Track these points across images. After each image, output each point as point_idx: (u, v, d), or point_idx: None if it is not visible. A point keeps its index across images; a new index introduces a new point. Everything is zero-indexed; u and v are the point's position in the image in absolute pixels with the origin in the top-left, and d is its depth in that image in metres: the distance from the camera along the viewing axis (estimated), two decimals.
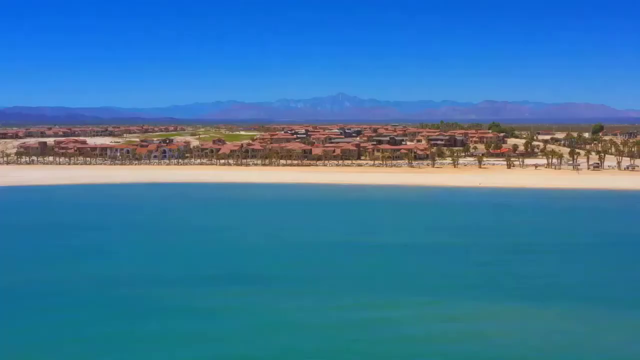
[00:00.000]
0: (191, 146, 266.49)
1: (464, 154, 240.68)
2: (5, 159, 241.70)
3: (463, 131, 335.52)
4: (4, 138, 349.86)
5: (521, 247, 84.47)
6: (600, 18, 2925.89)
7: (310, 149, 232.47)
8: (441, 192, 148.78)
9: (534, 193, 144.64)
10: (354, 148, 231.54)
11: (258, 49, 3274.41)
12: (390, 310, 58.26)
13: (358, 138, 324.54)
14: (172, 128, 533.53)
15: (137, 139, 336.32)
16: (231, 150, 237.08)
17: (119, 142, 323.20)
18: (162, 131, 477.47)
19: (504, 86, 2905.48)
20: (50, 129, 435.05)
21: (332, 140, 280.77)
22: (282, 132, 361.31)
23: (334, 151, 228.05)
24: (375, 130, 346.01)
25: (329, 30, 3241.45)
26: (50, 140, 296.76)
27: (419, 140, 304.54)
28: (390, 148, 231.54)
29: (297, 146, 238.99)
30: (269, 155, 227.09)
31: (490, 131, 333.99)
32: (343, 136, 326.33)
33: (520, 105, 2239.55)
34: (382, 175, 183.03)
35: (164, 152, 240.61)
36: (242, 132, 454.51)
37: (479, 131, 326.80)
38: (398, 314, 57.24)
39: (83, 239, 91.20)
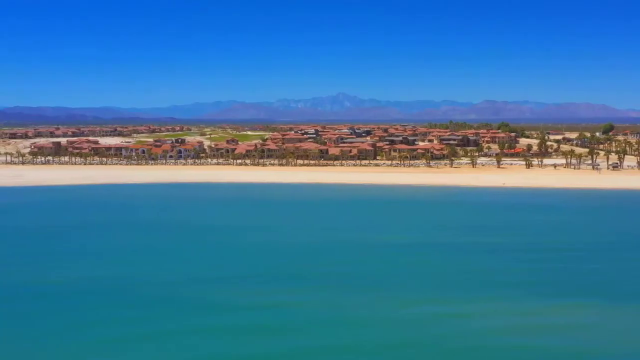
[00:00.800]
0: (204, 146, 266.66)
1: (478, 154, 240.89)
2: (20, 158, 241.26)
3: (474, 131, 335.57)
4: (14, 138, 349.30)
5: (572, 246, 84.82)
6: (601, 18, 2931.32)
7: (327, 149, 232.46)
8: (468, 192, 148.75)
9: (562, 193, 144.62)
10: (371, 148, 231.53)
11: (258, 49, 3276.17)
12: (456, 306, 58.89)
13: (369, 138, 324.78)
14: (179, 128, 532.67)
15: (149, 139, 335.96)
16: (247, 151, 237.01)
17: (129, 142, 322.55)
18: (168, 131, 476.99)
19: (504, 86, 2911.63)
20: (57, 128, 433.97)
21: (345, 140, 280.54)
22: (292, 132, 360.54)
23: (350, 151, 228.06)
24: (386, 130, 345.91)
25: (329, 30, 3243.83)
26: (62, 140, 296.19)
27: (430, 140, 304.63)
28: (407, 148, 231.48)
29: (313, 146, 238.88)
30: (285, 155, 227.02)
31: (499, 131, 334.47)
32: (354, 136, 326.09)
33: (520, 105, 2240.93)
34: (403, 175, 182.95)
35: (179, 152, 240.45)
36: (249, 132, 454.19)
37: (490, 131, 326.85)
38: (465, 309, 57.86)
39: (132, 238, 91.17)
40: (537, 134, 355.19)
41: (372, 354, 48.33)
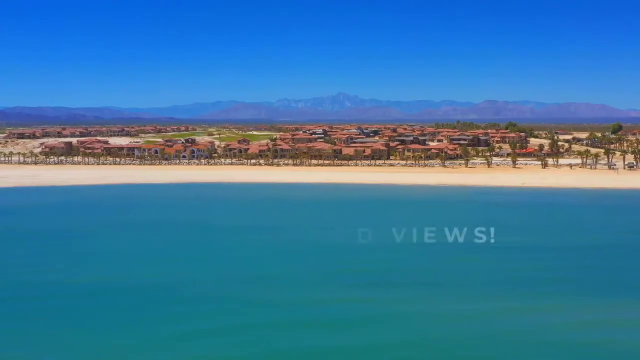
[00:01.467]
0: (215, 146, 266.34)
1: (489, 154, 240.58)
2: (33, 158, 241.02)
3: (482, 131, 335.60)
4: (22, 138, 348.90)
5: (614, 244, 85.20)
6: (601, 18, 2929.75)
7: (340, 149, 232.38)
8: (490, 191, 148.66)
9: (584, 193, 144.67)
10: (384, 148, 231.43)
11: (258, 49, 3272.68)
12: (516, 302, 60.26)
13: (377, 138, 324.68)
14: (184, 128, 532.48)
15: (157, 139, 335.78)
16: (260, 150, 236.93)
17: (138, 142, 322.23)
18: (174, 131, 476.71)
19: (505, 86, 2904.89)
20: (64, 129, 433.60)
21: (355, 140, 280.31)
22: (301, 132, 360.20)
23: (363, 151, 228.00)
24: (394, 130, 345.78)
25: (330, 30, 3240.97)
26: (72, 140, 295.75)
27: (439, 140, 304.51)
28: (421, 148, 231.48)
29: (326, 146, 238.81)
30: (299, 155, 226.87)
31: (507, 130, 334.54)
32: (363, 136, 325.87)
33: (520, 105, 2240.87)
34: (420, 175, 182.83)
35: (192, 152, 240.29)
36: (255, 132, 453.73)
37: (500, 131, 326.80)
38: (525, 305, 59.42)
39: (168, 238, 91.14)
40: (545, 134, 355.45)
41: (439, 349, 48.79)
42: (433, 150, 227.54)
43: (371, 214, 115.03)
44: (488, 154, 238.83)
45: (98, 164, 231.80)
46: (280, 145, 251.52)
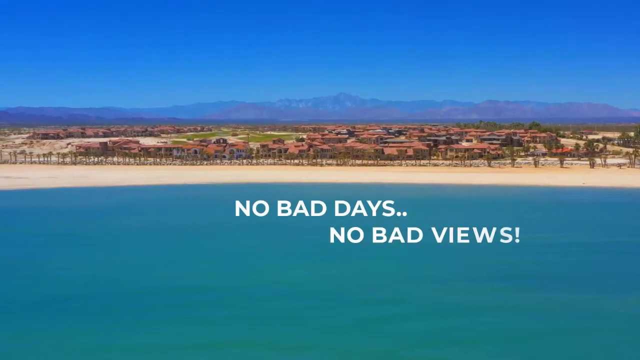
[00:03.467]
0: (249, 146, 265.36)
1: (524, 154, 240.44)
2: (72, 158, 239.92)
3: (510, 130, 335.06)
4: (46, 138, 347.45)
5: None
6: (602, 17, 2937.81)
7: (382, 149, 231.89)
8: (555, 191, 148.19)
9: None
10: (426, 148, 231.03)
11: (259, 49, 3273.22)
12: None
13: (404, 137, 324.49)
14: (200, 128, 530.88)
15: (182, 139, 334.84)
16: (300, 151, 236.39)
17: (165, 142, 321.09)
18: (190, 131, 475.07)
19: (506, 86, 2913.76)
20: (83, 129, 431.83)
21: (386, 140, 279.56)
22: (327, 132, 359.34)
23: (405, 151, 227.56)
24: (422, 130, 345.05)
25: (330, 30, 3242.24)
26: (99, 140, 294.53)
27: (468, 140, 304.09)
28: (464, 148, 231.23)
29: (366, 146, 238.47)
30: (340, 156, 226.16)
31: (535, 130, 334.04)
32: (393, 136, 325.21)
33: (522, 104, 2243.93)
34: (476, 175, 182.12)
35: (231, 152, 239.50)
36: (273, 132, 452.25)
37: (529, 131, 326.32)
38: None
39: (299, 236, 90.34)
40: (571, 134, 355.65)
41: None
42: (476, 150, 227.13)
43: (491, 213, 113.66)
44: (523, 153, 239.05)
45: (138, 165, 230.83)
46: (318, 145, 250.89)
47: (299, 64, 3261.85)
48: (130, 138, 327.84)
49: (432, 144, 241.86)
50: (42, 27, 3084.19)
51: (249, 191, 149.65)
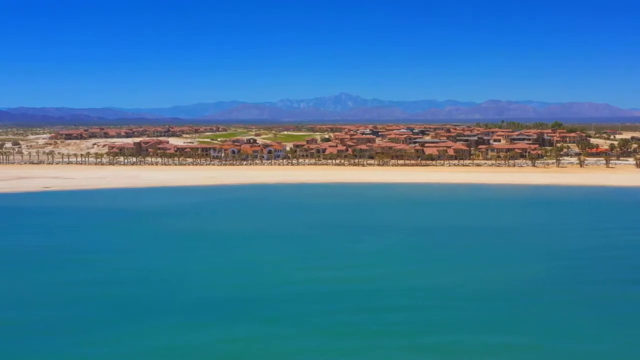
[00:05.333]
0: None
1: (559, 153, 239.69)
2: (109, 159, 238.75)
3: (537, 130, 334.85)
4: (70, 138, 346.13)
5: None
6: (604, 17, 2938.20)
7: (422, 149, 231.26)
8: (619, 191, 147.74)
9: None
10: (466, 148, 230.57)
11: (260, 49, 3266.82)
12: None
13: (429, 137, 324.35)
14: (215, 128, 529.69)
15: (206, 139, 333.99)
16: (338, 151, 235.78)
17: (191, 142, 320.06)
18: (207, 131, 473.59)
19: (507, 86, 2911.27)
20: (102, 129, 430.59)
21: (415, 141, 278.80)
22: (352, 132, 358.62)
23: (446, 151, 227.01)
24: (448, 130, 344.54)
25: (331, 30, 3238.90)
26: (131, 141, 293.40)
27: (496, 140, 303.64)
28: (505, 147, 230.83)
29: (406, 147, 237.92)
30: (382, 155, 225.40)
31: (564, 130, 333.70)
32: (420, 136, 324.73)
33: (523, 104, 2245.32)
34: (525, 175, 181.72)
35: (270, 152, 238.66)
36: (293, 133, 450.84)
37: (558, 130, 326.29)
38: None
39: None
40: (595, 134, 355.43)
41: None
42: (517, 150, 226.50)
43: (597, 214, 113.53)
44: (561, 152, 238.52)
45: (176, 165, 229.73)
46: (352, 145, 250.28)
47: (300, 64, 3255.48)
48: (161, 138, 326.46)
49: (470, 144, 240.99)
50: (44, 28, 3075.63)
51: (332, 191, 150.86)
